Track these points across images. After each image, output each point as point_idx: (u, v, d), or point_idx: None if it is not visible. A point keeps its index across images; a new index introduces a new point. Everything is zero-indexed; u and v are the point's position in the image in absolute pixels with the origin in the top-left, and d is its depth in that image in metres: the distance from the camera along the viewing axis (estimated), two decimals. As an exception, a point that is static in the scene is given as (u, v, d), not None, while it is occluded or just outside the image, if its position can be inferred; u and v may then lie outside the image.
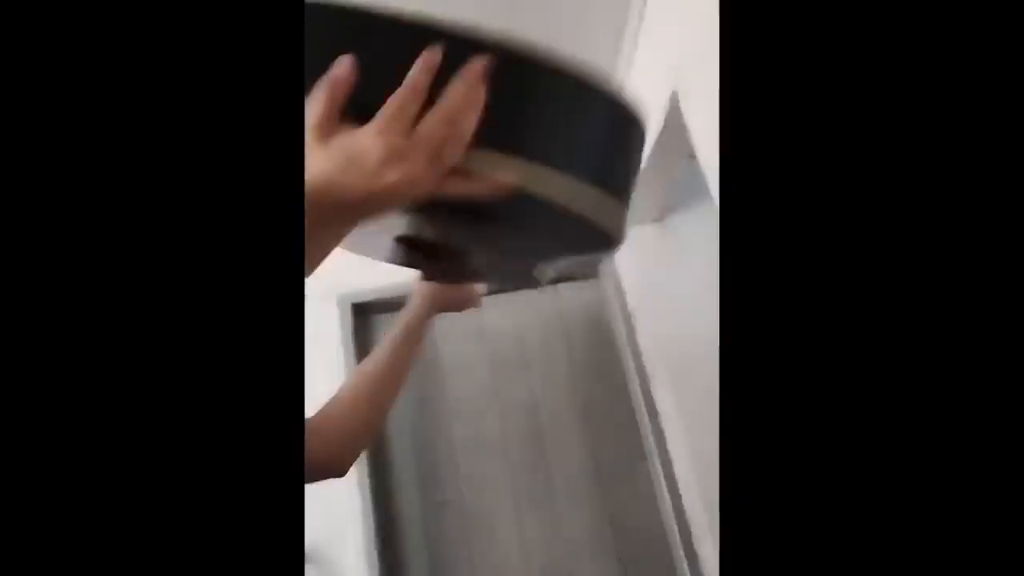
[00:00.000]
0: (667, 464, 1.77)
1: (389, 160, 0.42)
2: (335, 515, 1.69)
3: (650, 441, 1.84)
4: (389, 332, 0.93)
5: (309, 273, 0.44)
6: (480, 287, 1.03)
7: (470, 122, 0.43)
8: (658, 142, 1.42)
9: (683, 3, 1.12)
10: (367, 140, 0.42)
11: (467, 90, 0.42)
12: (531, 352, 1.97)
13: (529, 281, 0.94)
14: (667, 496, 1.77)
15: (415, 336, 0.93)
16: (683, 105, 1.19)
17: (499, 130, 0.44)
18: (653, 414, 1.82)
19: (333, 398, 0.86)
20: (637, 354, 1.88)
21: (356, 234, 0.96)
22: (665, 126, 1.35)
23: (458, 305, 1.02)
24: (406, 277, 1.18)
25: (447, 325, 1.02)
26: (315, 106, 0.43)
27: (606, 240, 0.51)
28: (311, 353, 1.87)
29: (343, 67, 0.42)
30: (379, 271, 1.17)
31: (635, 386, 1.90)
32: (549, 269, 0.70)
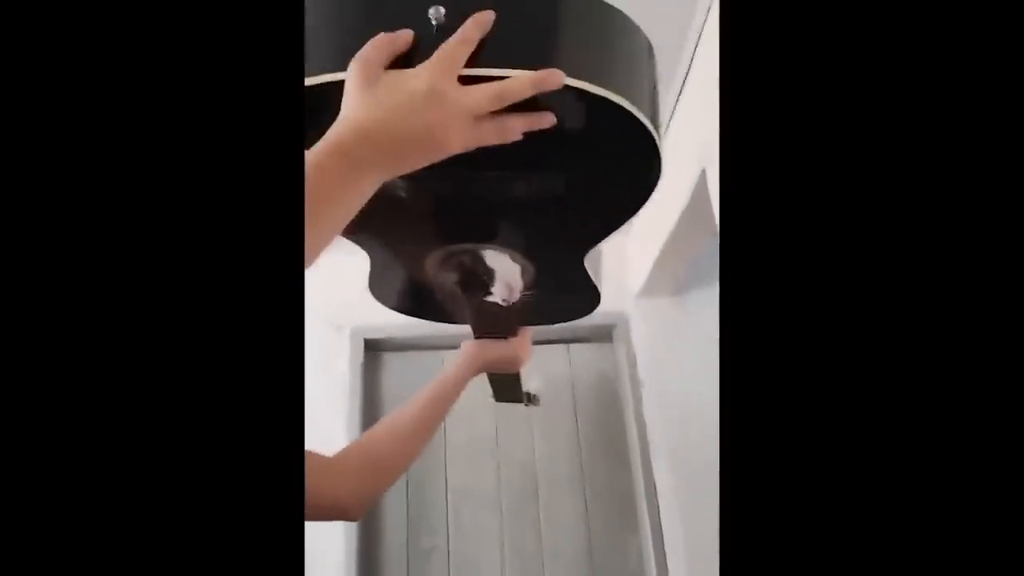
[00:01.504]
0: (659, 542, 1.73)
1: (433, 98, 0.42)
2: (317, 553, 1.67)
3: (645, 516, 1.81)
4: (427, 386, 0.91)
5: (340, 226, 0.44)
6: (528, 346, 1.02)
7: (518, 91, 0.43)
8: (683, 217, 1.45)
9: (715, 83, 1.17)
10: (414, 79, 0.43)
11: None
12: (536, 408, 1.97)
13: (576, 307, 0.93)
14: (655, 575, 1.73)
15: (453, 395, 0.92)
16: (710, 183, 1.23)
17: (531, 52, 0.45)
18: (651, 488, 1.79)
19: (358, 441, 0.84)
20: (641, 425, 1.87)
21: (407, 294, 0.93)
22: (691, 202, 1.38)
23: (506, 364, 0.99)
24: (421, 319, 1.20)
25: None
26: (366, 51, 0.44)
27: (648, 141, 0.50)
28: (318, 383, 1.88)
29: (406, 30, 0.44)
30: (396, 309, 1.19)
31: (636, 458, 1.88)
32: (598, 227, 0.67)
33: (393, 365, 2.05)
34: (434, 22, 0.45)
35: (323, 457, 0.76)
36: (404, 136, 0.43)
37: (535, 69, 0.44)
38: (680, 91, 1.39)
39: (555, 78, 0.43)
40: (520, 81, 0.43)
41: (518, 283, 0.77)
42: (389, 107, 0.43)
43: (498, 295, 0.77)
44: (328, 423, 1.79)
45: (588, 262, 0.77)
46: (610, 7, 0.50)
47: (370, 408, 1.95)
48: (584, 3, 0.49)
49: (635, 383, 1.93)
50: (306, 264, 0.41)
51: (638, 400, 1.90)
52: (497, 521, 1.86)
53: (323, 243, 0.43)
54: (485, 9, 0.45)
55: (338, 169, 0.42)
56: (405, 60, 0.45)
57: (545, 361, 2.03)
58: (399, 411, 0.88)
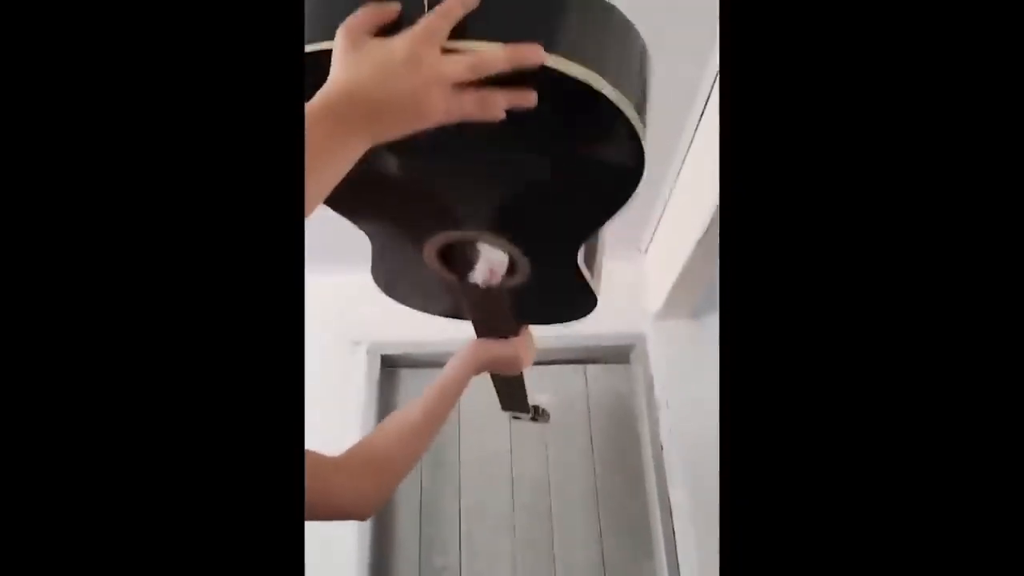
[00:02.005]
0: (674, 566, 1.71)
1: (411, 62, 0.44)
2: (328, 570, 1.67)
3: (660, 539, 1.78)
4: (431, 385, 0.93)
5: (328, 188, 0.44)
6: (528, 346, 1.02)
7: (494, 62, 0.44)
8: (701, 241, 1.45)
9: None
10: (395, 44, 0.44)
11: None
12: (551, 427, 1.96)
13: (571, 309, 0.94)
14: (670, 601, 1.70)
15: (453, 395, 0.93)
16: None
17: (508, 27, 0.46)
18: (666, 511, 1.77)
19: (363, 441, 0.85)
20: (658, 448, 1.85)
21: (406, 283, 0.95)
22: (710, 227, 1.37)
23: (506, 363, 1.00)
24: (439, 335, 1.21)
25: (472, 383, 1.02)
26: (351, 18, 0.46)
27: (630, 132, 0.50)
28: (334, 397, 1.89)
29: (393, 2, 0.46)
30: (414, 326, 1.19)
31: (652, 481, 1.86)
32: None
33: (409, 381, 2.05)
34: (426, 1, 0.47)
35: (327, 457, 0.77)
36: (384, 99, 0.44)
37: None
38: (700, 119, 1.39)
39: (534, 53, 0.44)
40: (498, 53, 0.44)
41: (501, 266, 0.77)
42: (369, 70, 0.44)
43: (479, 276, 0.78)
44: (343, 438, 1.79)
45: (584, 262, 0.77)
46: (608, 4, 0.50)
47: (384, 413, 1.95)
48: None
49: (652, 405, 1.91)
50: None
51: (654, 422, 1.89)
52: (509, 541, 1.84)
53: (310, 205, 0.44)
54: None
55: (324, 129, 0.43)
56: (392, 32, 0.46)
57: (561, 382, 2.02)
58: (402, 411, 0.90)
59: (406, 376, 2.06)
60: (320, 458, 0.76)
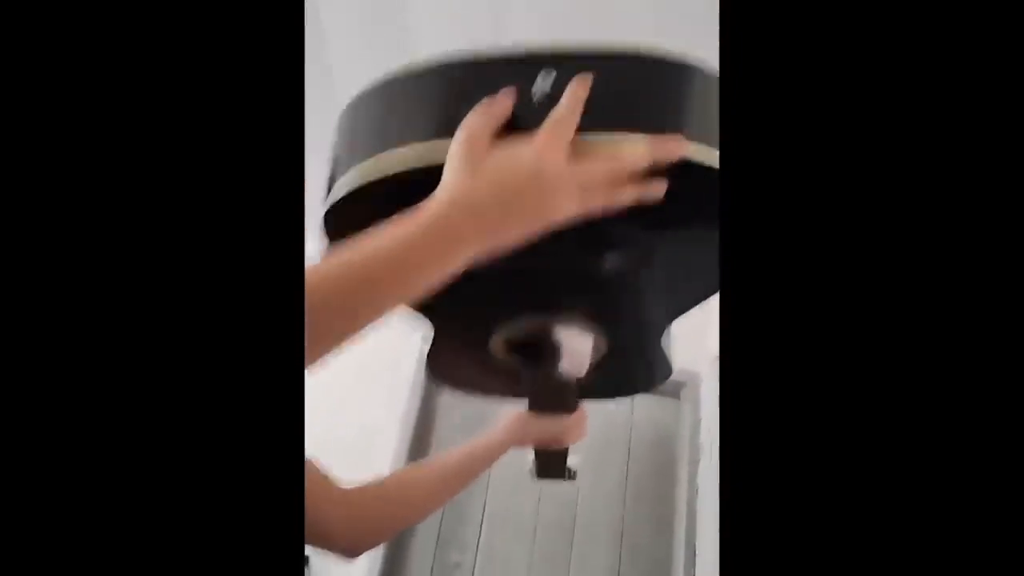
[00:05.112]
0: (689, 615, 1.66)
1: (539, 177, 0.40)
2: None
3: (679, 584, 1.74)
4: (460, 448, 0.85)
5: (423, 292, 0.42)
6: (582, 426, 0.95)
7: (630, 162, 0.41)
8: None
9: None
10: (520, 156, 0.41)
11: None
12: (588, 451, 1.92)
13: (644, 381, 0.88)
14: (678, 648, 1.65)
15: (486, 463, 0.87)
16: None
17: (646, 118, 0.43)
18: (690, 555, 1.73)
19: (379, 482, 0.80)
20: (693, 491, 1.81)
21: (466, 364, 0.86)
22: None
23: (552, 440, 0.92)
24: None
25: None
26: (471, 121, 0.42)
27: None
28: (380, 377, 1.91)
29: (506, 92, 0.43)
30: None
31: (681, 524, 1.82)
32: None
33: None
34: (538, 95, 0.44)
35: (333, 486, 0.73)
36: (506, 213, 0.41)
37: (648, 132, 0.41)
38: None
39: (676, 147, 0.41)
40: (637, 152, 0.41)
41: (587, 356, 0.72)
42: (490, 183, 0.41)
43: (567, 366, 0.72)
44: (380, 417, 1.82)
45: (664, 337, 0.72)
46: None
47: (426, 409, 1.96)
48: (690, 71, 0.46)
49: (694, 447, 1.86)
50: (374, 320, 0.40)
51: (694, 464, 1.84)
52: (528, 552, 1.83)
53: (396, 306, 0.41)
54: (594, 71, 0.43)
55: (434, 237, 0.40)
56: (512, 121, 0.43)
57: (607, 408, 1.99)
58: (429, 463, 0.84)
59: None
60: (325, 486, 0.72)
